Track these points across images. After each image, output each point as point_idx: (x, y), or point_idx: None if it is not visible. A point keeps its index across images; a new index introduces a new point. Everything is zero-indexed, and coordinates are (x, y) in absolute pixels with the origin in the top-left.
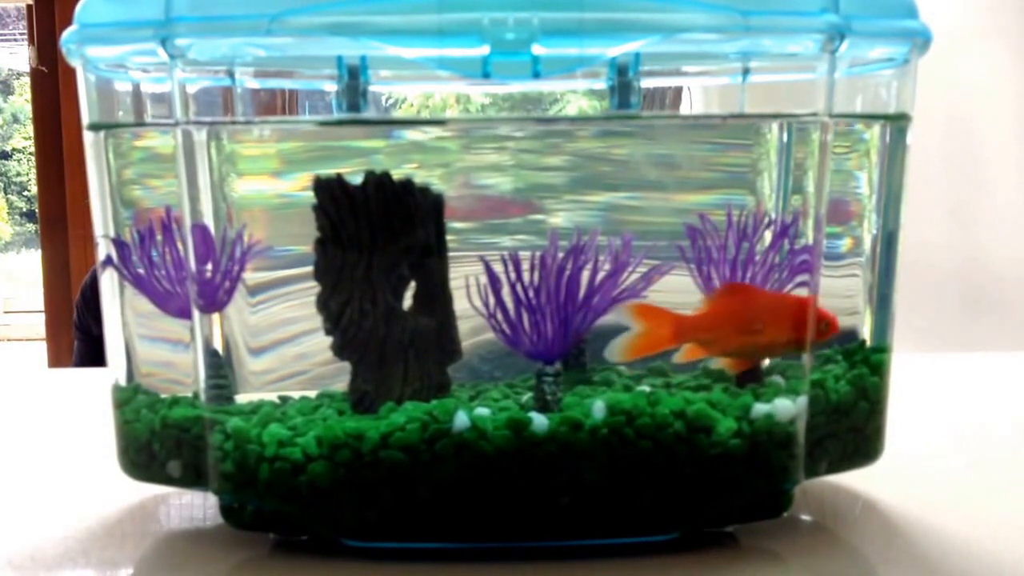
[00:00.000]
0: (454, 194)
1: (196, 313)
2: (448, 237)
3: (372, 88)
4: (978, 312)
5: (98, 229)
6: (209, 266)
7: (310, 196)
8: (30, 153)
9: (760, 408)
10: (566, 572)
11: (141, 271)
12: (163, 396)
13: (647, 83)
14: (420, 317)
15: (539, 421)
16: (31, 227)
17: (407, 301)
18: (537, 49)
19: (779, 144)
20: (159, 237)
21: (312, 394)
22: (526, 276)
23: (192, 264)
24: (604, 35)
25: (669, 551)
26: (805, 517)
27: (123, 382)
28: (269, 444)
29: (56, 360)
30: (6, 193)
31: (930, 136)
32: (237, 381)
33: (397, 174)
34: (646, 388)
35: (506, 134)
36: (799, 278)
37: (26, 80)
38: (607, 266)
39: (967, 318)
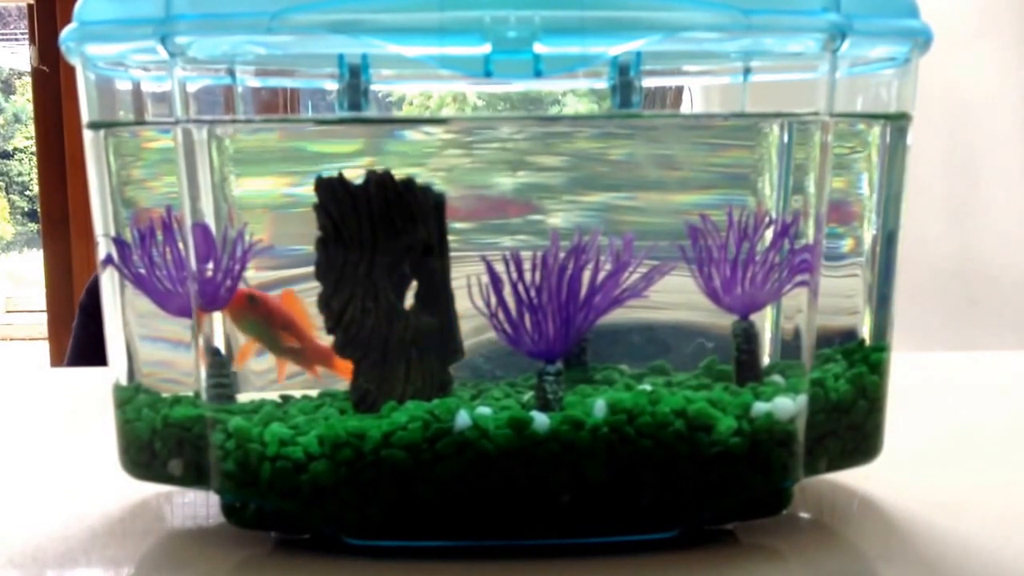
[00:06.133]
0: (455, 194)
1: (197, 312)
2: (449, 237)
3: (373, 87)
4: (977, 311)
5: (98, 228)
6: (210, 265)
7: (311, 195)
8: (32, 153)
9: (760, 407)
10: (567, 570)
11: (142, 270)
12: (164, 395)
13: (648, 82)
14: (422, 316)
15: (540, 420)
16: (33, 227)
17: (408, 300)
18: (539, 48)
19: (780, 144)
20: (160, 236)
21: (314, 393)
22: (527, 275)
23: (193, 263)
24: (606, 34)
25: (669, 549)
26: (804, 515)
27: (124, 381)
28: (271, 443)
29: (58, 359)
30: (8, 193)
31: (930, 136)
32: (238, 380)
33: (398, 173)
34: (647, 387)
35: (507, 134)
36: (799, 277)
37: (27, 80)
38: (608, 265)
39: (966, 317)
